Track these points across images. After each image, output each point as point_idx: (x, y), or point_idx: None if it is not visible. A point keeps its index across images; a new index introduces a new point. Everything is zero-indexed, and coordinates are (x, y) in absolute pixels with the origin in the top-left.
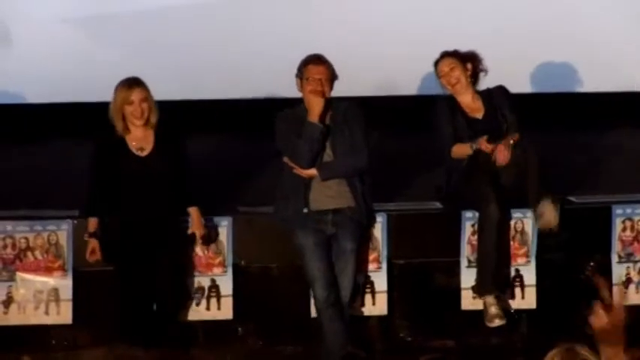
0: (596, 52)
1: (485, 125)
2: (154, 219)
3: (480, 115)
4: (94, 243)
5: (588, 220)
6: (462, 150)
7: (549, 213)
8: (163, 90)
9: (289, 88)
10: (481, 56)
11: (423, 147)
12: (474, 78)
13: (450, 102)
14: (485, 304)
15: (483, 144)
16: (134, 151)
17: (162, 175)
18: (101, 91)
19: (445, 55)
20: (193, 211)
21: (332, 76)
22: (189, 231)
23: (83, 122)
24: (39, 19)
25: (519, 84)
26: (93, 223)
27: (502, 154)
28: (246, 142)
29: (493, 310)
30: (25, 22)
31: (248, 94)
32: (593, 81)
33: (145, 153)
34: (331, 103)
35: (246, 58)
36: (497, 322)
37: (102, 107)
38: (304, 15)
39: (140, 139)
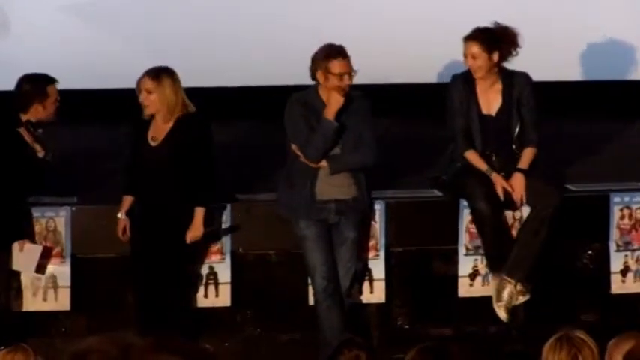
0: (592, 40)
1: (497, 124)
2: (156, 208)
3: (494, 110)
4: (123, 222)
5: (586, 209)
6: (476, 162)
7: (508, 295)
8: None
9: (292, 76)
10: (516, 34)
11: (422, 135)
12: (502, 60)
13: (466, 81)
14: (501, 286)
15: (498, 185)
16: (149, 140)
17: (166, 167)
18: (102, 79)
19: (472, 37)
20: (196, 212)
21: (352, 69)
22: (187, 231)
23: (83, 109)
24: (38, 6)
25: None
26: (126, 201)
27: (517, 199)
28: (244, 129)
29: (507, 294)
30: (24, 9)
31: (250, 81)
32: (591, 69)
33: (155, 143)
34: (348, 94)
35: (247, 46)
36: (503, 315)
37: (101, 94)
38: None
39: (158, 129)
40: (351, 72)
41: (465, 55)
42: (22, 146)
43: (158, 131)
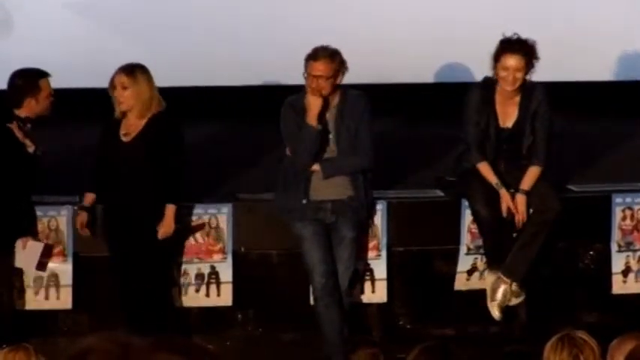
0: (595, 40)
1: (510, 138)
2: (128, 205)
3: (510, 122)
4: (82, 215)
5: (588, 209)
6: (487, 175)
7: (502, 295)
8: (165, 76)
9: (290, 76)
10: (538, 52)
11: (425, 135)
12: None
13: (485, 91)
14: (496, 284)
15: (504, 202)
16: (121, 136)
17: (139, 164)
18: (103, 77)
19: (518, 49)
20: (167, 209)
21: (335, 72)
22: (158, 227)
23: (84, 108)
24: (41, 4)
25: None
26: (88, 197)
27: (518, 220)
28: (245, 129)
29: (501, 294)
30: (27, 7)
31: (250, 81)
32: (595, 70)
33: (127, 139)
34: (343, 92)
35: (247, 45)
36: (496, 313)
37: (102, 93)
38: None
39: (129, 126)
40: (330, 75)
41: (504, 67)
42: (13, 142)
43: (131, 127)
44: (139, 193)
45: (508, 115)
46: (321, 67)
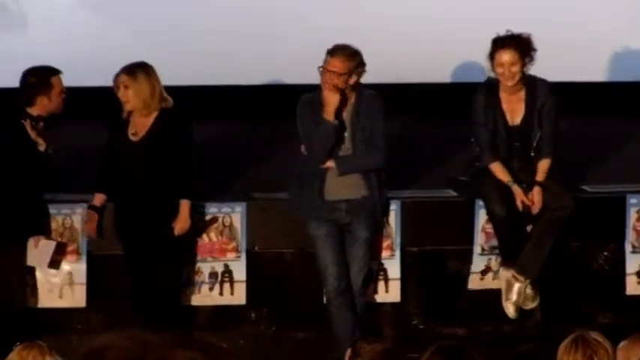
0: (611, 41)
1: (521, 135)
2: (141, 203)
3: (517, 119)
4: (90, 214)
5: (602, 210)
6: (500, 175)
7: (517, 293)
8: (179, 76)
9: (306, 75)
10: (534, 43)
11: (438, 135)
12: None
13: (490, 91)
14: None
15: (518, 197)
16: (129, 135)
17: (149, 162)
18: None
19: (509, 44)
20: (182, 205)
21: (349, 71)
22: (174, 224)
23: (98, 106)
24: (55, 3)
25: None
26: (98, 198)
27: (535, 211)
28: (260, 128)
29: (515, 293)
30: (40, 5)
31: (265, 80)
32: (610, 70)
33: (136, 138)
34: (359, 91)
35: (262, 43)
36: (511, 312)
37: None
38: None
39: (138, 124)
40: (345, 72)
41: (499, 64)
42: (25, 140)
43: (138, 127)
44: (151, 190)
45: (515, 113)
46: (336, 64)
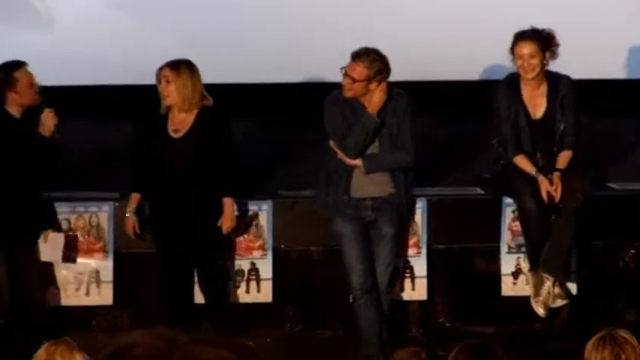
0: (633, 38)
1: (544, 128)
2: (181, 200)
3: (540, 113)
4: (132, 220)
5: (628, 207)
6: (524, 166)
7: (546, 292)
8: (206, 74)
9: (332, 73)
10: (558, 39)
11: (464, 133)
12: (549, 61)
13: (511, 86)
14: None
15: (544, 187)
16: (170, 132)
17: (191, 159)
18: (141, 74)
19: (529, 37)
20: (226, 203)
21: (370, 77)
22: (219, 223)
23: (125, 104)
24: (82, 2)
25: (560, 68)
26: (133, 199)
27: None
28: (287, 126)
29: (545, 291)
30: (68, 4)
31: (291, 78)
32: (633, 67)
33: (178, 135)
34: (388, 90)
35: (288, 42)
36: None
37: (142, 90)
38: None
39: (178, 121)
40: (365, 78)
41: (519, 56)
42: (20, 134)
43: (179, 124)
44: (192, 188)
45: (537, 107)
46: (356, 70)
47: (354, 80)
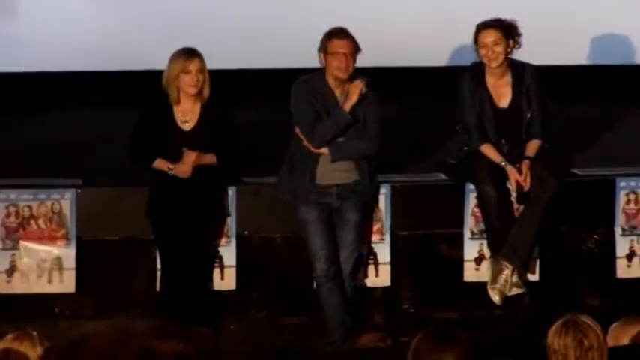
0: (600, 24)
1: (510, 117)
2: (186, 189)
3: (505, 102)
4: (187, 154)
5: (592, 193)
6: (492, 156)
7: (503, 280)
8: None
9: (302, 59)
10: (520, 29)
11: (427, 119)
12: (512, 50)
13: (475, 75)
14: (497, 269)
15: (512, 177)
16: (179, 123)
17: (203, 148)
18: (110, 61)
19: (491, 26)
20: (191, 155)
21: (355, 50)
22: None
23: (90, 91)
24: None
25: (526, 55)
26: (161, 162)
27: (527, 187)
28: (251, 112)
29: (502, 279)
30: None
31: (258, 64)
32: (600, 53)
33: (188, 126)
34: (354, 77)
35: (262, 28)
36: (497, 298)
37: (107, 76)
38: None
39: (186, 112)
40: (353, 52)
41: (482, 45)
42: None
43: (188, 114)
44: (203, 176)
45: (502, 96)
46: (345, 43)
47: (350, 54)
